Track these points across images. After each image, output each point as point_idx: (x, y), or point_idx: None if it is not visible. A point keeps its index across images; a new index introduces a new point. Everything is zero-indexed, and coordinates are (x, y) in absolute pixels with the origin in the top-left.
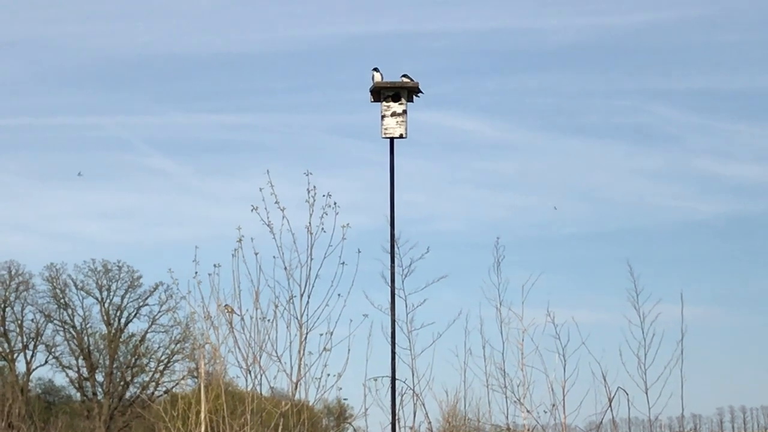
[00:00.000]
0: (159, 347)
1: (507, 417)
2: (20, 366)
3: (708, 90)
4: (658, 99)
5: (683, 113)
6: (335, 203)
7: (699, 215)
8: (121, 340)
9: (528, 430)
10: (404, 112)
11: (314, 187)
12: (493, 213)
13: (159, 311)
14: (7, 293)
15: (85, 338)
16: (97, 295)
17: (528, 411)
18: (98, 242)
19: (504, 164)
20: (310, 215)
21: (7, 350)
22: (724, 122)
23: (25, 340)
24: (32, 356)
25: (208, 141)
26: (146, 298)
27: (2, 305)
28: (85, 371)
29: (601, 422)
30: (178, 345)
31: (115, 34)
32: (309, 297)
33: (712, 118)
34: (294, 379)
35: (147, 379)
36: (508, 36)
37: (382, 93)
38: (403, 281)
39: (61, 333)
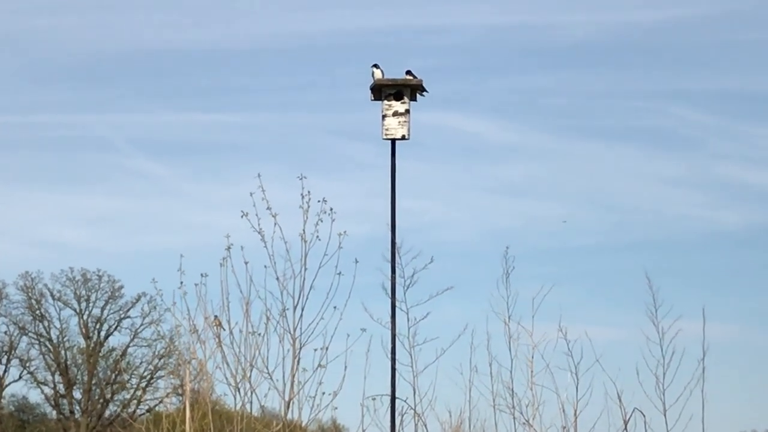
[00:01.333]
0: (141, 362)
1: None
2: None
3: (733, 91)
4: (679, 100)
5: (706, 115)
6: (331, 209)
7: (723, 225)
8: (100, 354)
9: None
10: (407, 111)
11: (308, 192)
12: (503, 221)
13: (141, 324)
14: None
15: (62, 352)
16: (75, 306)
17: None
18: (77, 250)
19: (514, 169)
20: (304, 222)
21: None
22: (750, 125)
23: None
24: (5, 371)
25: (197, 142)
26: (128, 310)
27: None
28: (61, 387)
29: None
30: (162, 360)
31: (98, 27)
32: (303, 309)
33: (738, 120)
34: (286, 398)
35: (128, 396)
36: (519, 32)
37: (383, 91)
38: (404, 293)
39: (37, 346)
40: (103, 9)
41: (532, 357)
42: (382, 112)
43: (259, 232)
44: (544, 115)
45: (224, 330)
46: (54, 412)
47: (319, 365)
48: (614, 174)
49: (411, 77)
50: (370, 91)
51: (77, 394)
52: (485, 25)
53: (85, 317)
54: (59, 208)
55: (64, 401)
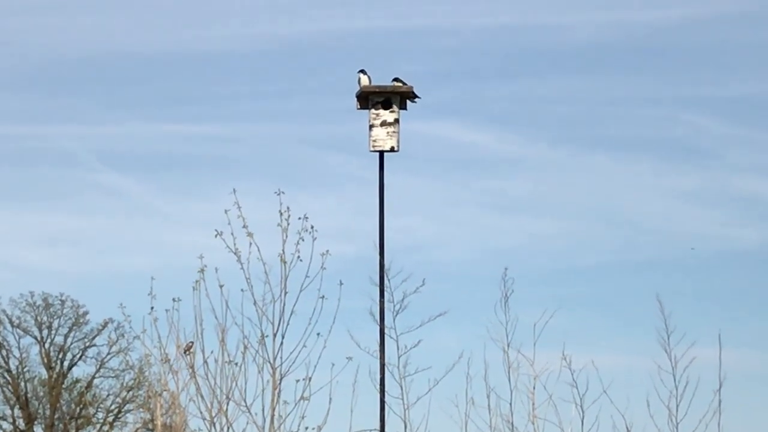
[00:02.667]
0: (108, 395)
1: None
2: None
3: (753, 97)
4: (694, 107)
5: (724, 124)
6: (312, 227)
7: (741, 243)
8: (63, 386)
9: None
10: (396, 121)
11: (288, 208)
12: (502, 240)
13: (108, 353)
14: None
15: (22, 384)
16: (36, 333)
17: None
18: (38, 272)
19: (514, 183)
20: (284, 241)
21: None
22: None
23: None
24: None
25: (169, 155)
26: (93, 338)
27: None
28: (21, 422)
29: None
30: (131, 392)
31: (61, 30)
32: (283, 337)
33: (758, 130)
34: None
35: (94, 431)
36: (519, 34)
37: (370, 99)
38: (394, 319)
39: None
40: (65, 10)
41: (534, 388)
42: (369, 121)
43: (234, 253)
44: (546, 124)
45: (195, 355)
46: None
47: (302, 397)
48: (623, 188)
49: (400, 84)
50: (356, 99)
51: (39, 429)
52: (481, 26)
53: (46, 346)
54: (17, 226)
55: None
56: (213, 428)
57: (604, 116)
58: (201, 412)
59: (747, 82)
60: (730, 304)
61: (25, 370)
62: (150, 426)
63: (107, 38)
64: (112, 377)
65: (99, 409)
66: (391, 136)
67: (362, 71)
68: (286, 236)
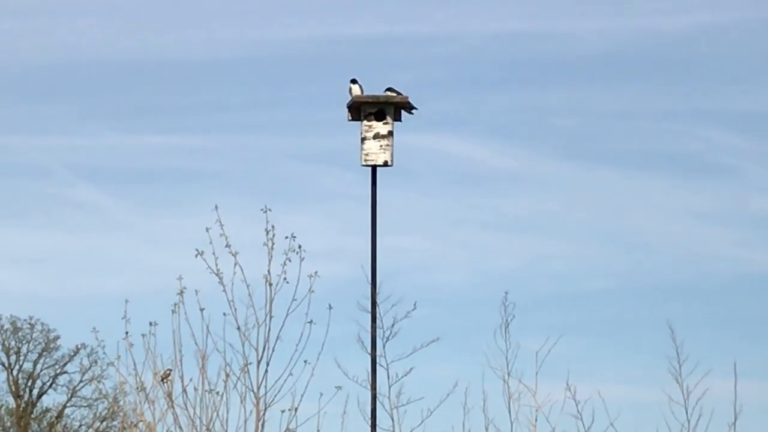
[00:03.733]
0: (80, 425)
1: None
2: None
3: None
4: (710, 121)
5: (742, 139)
6: (300, 246)
7: (760, 266)
8: (33, 415)
9: None
10: (390, 133)
11: (273, 226)
12: (502, 262)
13: (81, 381)
14: None
15: None
16: (4, 359)
17: None
18: (5, 293)
19: (516, 200)
20: (269, 262)
21: None
22: None
23: None
24: None
25: (147, 168)
26: (65, 365)
27: None
28: None
29: None
30: (105, 423)
31: (32, 35)
32: (268, 364)
33: None
34: None
35: None
36: (521, 41)
37: (362, 110)
38: (384, 346)
39: None
40: (36, 14)
41: (536, 420)
42: (361, 134)
43: (216, 274)
44: (551, 138)
45: (175, 383)
46: None
47: (288, 429)
48: (633, 207)
49: (394, 94)
50: (347, 110)
51: None
52: (482, 32)
53: (15, 372)
54: None
55: None
56: None
57: (613, 130)
58: None
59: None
60: (746, 332)
61: None
62: None
63: (81, 44)
64: (85, 407)
65: None
66: (384, 149)
67: (354, 80)
68: (272, 256)
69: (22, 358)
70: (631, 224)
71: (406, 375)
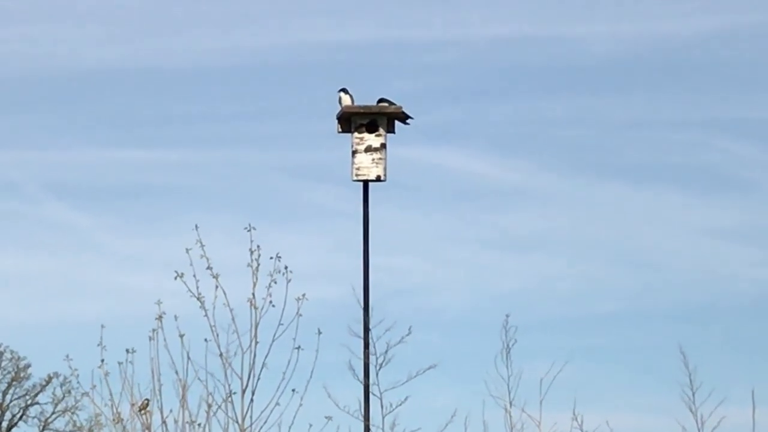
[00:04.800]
0: None
1: None
2: None
3: None
4: (728, 131)
5: (763, 151)
6: (286, 267)
7: None
8: None
9: None
10: (383, 146)
11: (258, 246)
12: (505, 283)
13: (53, 412)
14: None
15: None
16: None
17: None
18: None
19: (520, 217)
20: (254, 284)
21: None
22: None
23: None
24: None
25: (125, 185)
26: (36, 395)
27: None
28: None
29: None
30: None
31: (5, 42)
32: (253, 393)
33: None
34: None
35: None
36: (526, 47)
37: (353, 121)
38: (377, 373)
39: None
40: (8, 21)
41: None
42: (352, 147)
43: (197, 298)
44: (556, 149)
45: (154, 415)
46: None
47: None
48: (645, 223)
49: (387, 104)
50: (336, 122)
51: None
52: (483, 38)
53: None
54: None
55: None
56: None
57: (623, 141)
58: None
59: None
60: (766, 357)
61: None
62: None
63: (53, 53)
64: None
65: None
66: (376, 163)
67: (343, 90)
68: (257, 278)
69: None
70: (642, 242)
71: (401, 404)
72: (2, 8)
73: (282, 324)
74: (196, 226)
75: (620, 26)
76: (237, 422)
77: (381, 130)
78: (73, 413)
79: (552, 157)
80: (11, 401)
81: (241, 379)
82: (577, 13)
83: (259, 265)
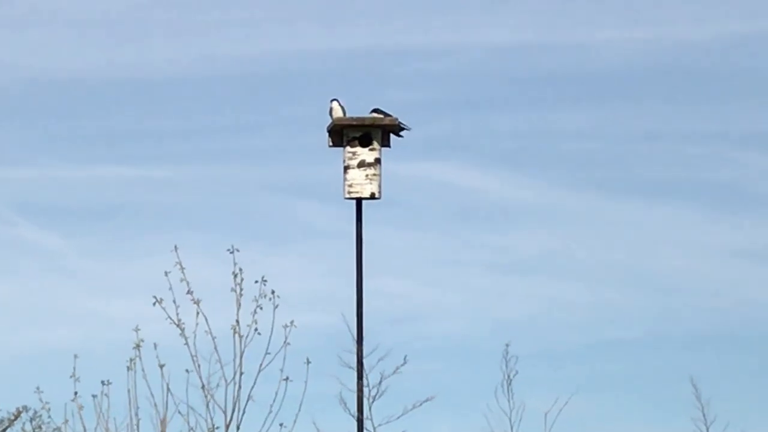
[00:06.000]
0: None
1: None
2: None
3: None
4: (751, 144)
5: None
6: (273, 292)
7: None
8: None
9: None
10: (377, 161)
11: (241, 269)
12: (509, 308)
13: None
14: None
15: None
16: None
17: None
18: None
19: (526, 237)
20: (238, 310)
21: None
22: None
23: None
24: None
25: (99, 204)
26: (4, 430)
27: None
28: None
29: None
30: None
31: None
32: (238, 428)
33: None
34: None
35: None
36: (531, 54)
37: (345, 134)
38: (370, 406)
39: None
40: None
41: None
42: (344, 162)
43: (177, 325)
44: (564, 164)
45: None
46: None
47: None
48: (661, 243)
49: (381, 116)
50: (327, 134)
51: None
52: (486, 45)
53: None
54: None
55: None
56: None
57: (637, 155)
58: None
59: None
60: None
61: None
62: None
63: (24, 61)
64: None
65: None
66: (370, 179)
67: (335, 100)
68: (241, 304)
69: None
70: (658, 263)
71: None
72: None
73: (269, 353)
74: (176, 247)
75: (634, 32)
76: None
77: (375, 144)
78: None
79: (560, 172)
80: None
81: (225, 412)
82: (583, 18)
83: (242, 289)
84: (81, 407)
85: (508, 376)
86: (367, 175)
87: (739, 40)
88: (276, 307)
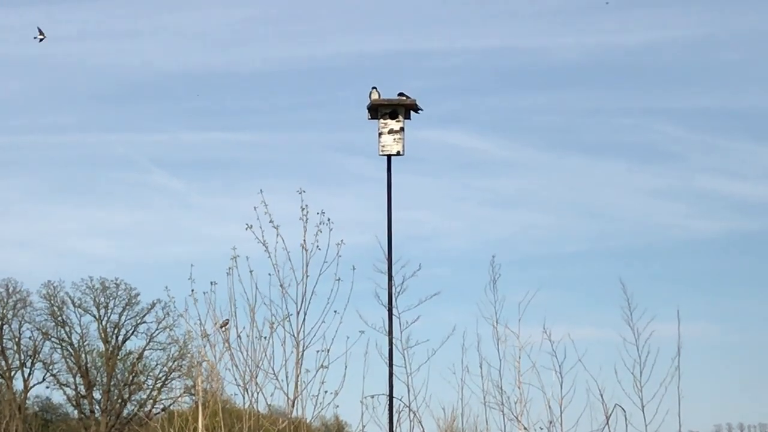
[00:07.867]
0: (156, 365)
1: None
2: (18, 384)
3: (713, 108)
4: (662, 117)
5: (688, 131)
6: (329, 220)
7: (701, 233)
8: (118, 357)
9: None
10: (401, 129)
11: (306, 205)
12: (495, 231)
13: (156, 329)
14: (4, 311)
15: (83, 356)
16: (95, 312)
17: (525, 428)
18: (98, 260)
19: (507, 182)
20: (305, 233)
21: (5, 368)
22: (729, 140)
23: (22, 357)
24: (30, 374)
25: (210, 159)
26: (144, 316)
27: (0, 323)
28: (82, 389)
29: None
30: (176, 362)
31: (124, 52)
32: (305, 314)
33: (718, 136)
34: (291, 397)
35: (144, 396)
36: (512, 54)
37: (379, 110)
38: (395, 299)
39: (59, 350)
40: (131, 36)
41: (519, 357)
42: (379, 129)
43: (263, 243)
44: (536, 131)
45: (230, 330)
46: (75, 412)
47: (321, 366)
48: (601, 186)
49: (404, 98)
50: (367, 111)
51: (97, 394)
52: (479, 47)
53: (103, 323)
54: (83, 221)
55: (85, 401)
56: (246, 393)
57: (585, 125)
58: (235, 380)
59: (709, 95)
60: (690, 285)
61: (85, 344)
62: (192, 391)
63: (156, 61)
64: (160, 350)
65: (148, 377)
66: (397, 142)
67: (374, 88)
68: (307, 228)
69: (109, 311)
70: (597, 200)
71: (414, 322)
72: (136, 26)
73: (326, 262)
74: (261, 190)
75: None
76: (293, 336)
77: (400, 117)
78: (171, 330)
79: (531, 137)
80: (125, 321)
81: (296, 303)
82: (551, 29)
83: (308, 218)
84: (196, 300)
85: (494, 278)
86: (394, 139)
87: (656, 44)
88: (331, 230)
